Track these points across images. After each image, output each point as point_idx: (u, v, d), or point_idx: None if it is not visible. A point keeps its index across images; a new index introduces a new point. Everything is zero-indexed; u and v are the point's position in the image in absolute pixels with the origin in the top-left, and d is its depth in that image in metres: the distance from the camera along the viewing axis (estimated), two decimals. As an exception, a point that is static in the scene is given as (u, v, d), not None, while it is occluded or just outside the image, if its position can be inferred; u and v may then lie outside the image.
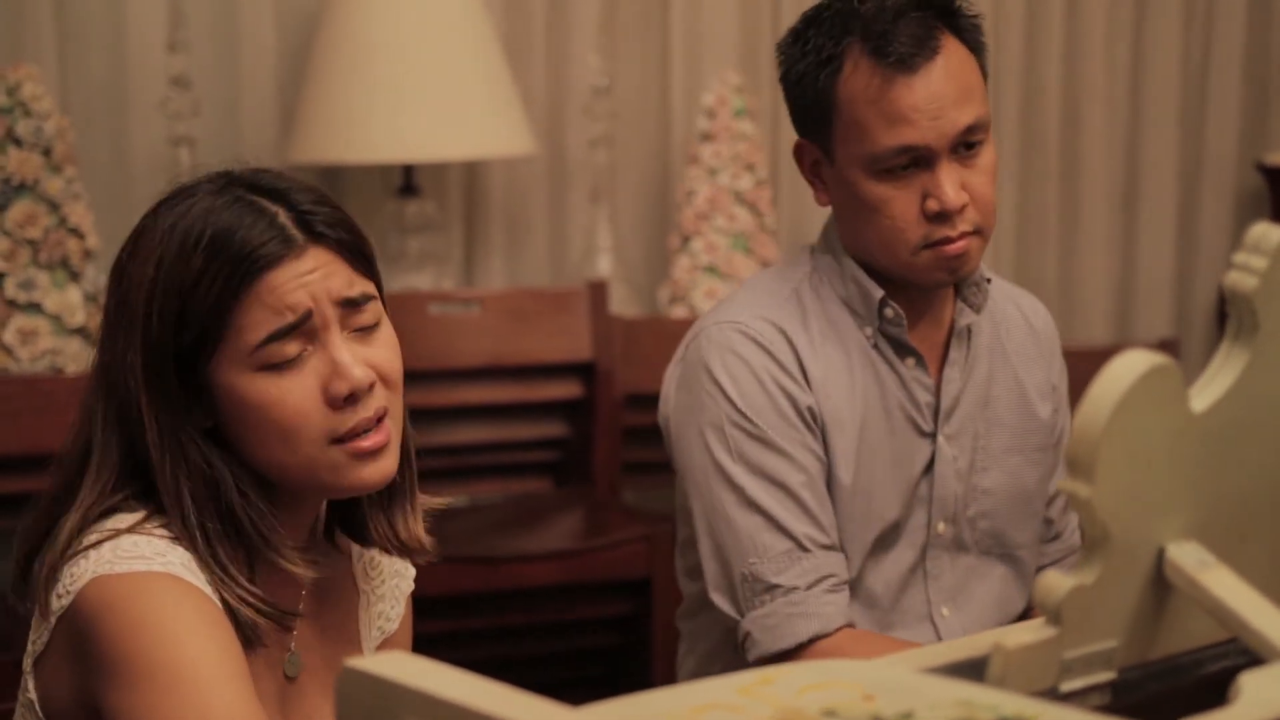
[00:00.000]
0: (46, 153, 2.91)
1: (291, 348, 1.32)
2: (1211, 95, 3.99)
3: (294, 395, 1.32)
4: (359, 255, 1.37)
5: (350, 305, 1.34)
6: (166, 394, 1.32)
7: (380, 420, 1.35)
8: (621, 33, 3.54)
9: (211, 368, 1.32)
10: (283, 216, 1.33)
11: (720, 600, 1.78)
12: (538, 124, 3.41)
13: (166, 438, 1.32)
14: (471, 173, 3.47)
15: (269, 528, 1.35)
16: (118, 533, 1.31)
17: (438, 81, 3.07)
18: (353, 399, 1.33)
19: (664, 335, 3.22)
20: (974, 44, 1.76)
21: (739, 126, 3.42)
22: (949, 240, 1.73)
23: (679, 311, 3.38)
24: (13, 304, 2.89)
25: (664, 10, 3.56)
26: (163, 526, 1.33)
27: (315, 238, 1.33)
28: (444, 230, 3.39)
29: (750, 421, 1.76)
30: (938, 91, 1.70)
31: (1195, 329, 4.05)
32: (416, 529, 1.46)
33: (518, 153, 3.19)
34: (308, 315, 1.32)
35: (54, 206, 2.91)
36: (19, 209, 2.88)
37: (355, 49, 3.05)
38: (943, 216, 1.72)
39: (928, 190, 1.72)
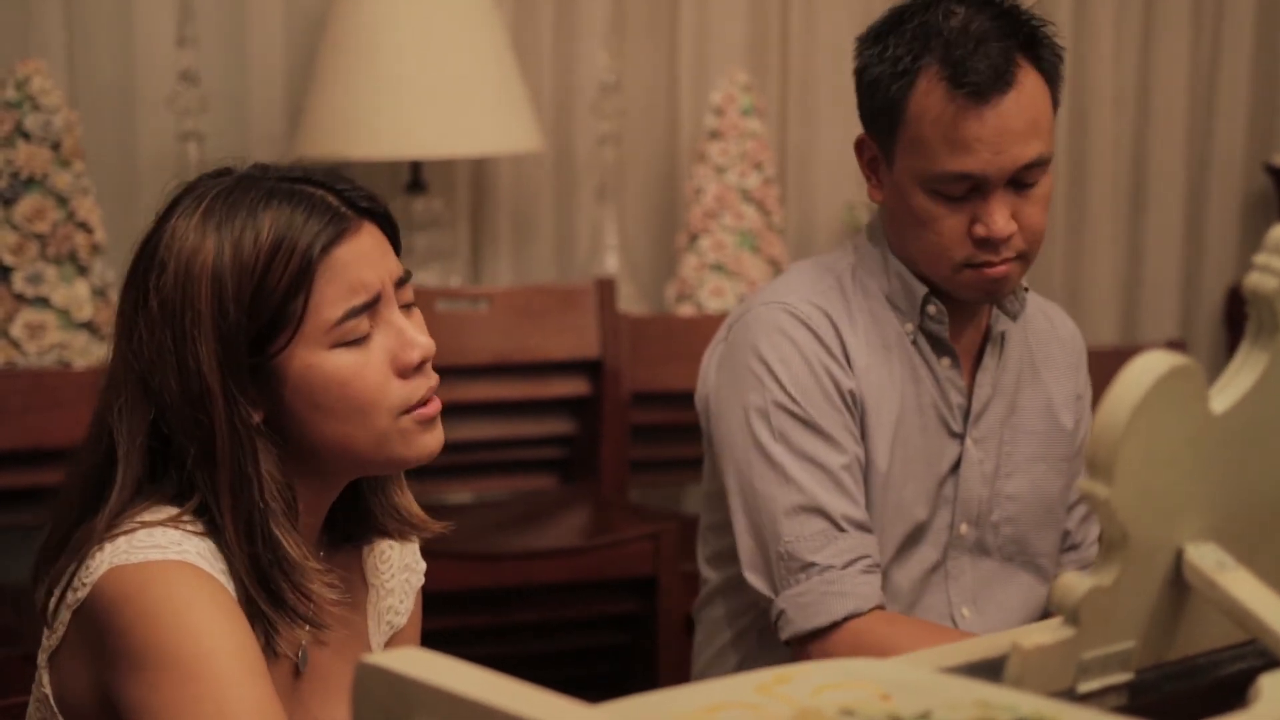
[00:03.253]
0: (55, 147, 2.91)
1: (364, 325, 1.35)
2: (1219, 96, 3.98)
3: (369, 369, 1.35)
4: (393, 230, 1.41)
5: (400, 283, 1.39)
6: (240, 382, 1.33)
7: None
8: (630, 30, 3.54)
9: (283, 352, 1.33)
10: (330, 197, 1.36)
11: (755, 579, 1.79)
12: (545, 121, 3.40)
13: (238, 428, 1.33)
14: (479, 170, 3.46)
15: (301, 553, 1.36)
16: (143, 525, 1.31)
17: (445, 78, 3.07)
18: (420, 368, 1.37)
19: (671, 333, 3.23)
20: (1052, 76, 1.78)
21: (747, 124, 3.41)
22: (990, 265, 1.75)
23: (686, 309, 3.38)
24: (20, 298, 2.88)
25: (672, 8, 3.56)
26: (194, 524, 1.33)
27: (362, 213, 1.37)
28: (451, 227, 3.39)
29: (795, 402, 1.77)
30: (1005, 125, 1.72)
31: (1202, 330, 4.05)
32: (414, 505, 1.49)
33: (525, 150, 3.19)
34: (379, 294, 1.36)
35: (62, 201, 2.91)
36: (27, 203, 2.88)
37: (363, 45, 3.05)
38: (988, 243, 1.74)
39: (978, 216, 1.74)
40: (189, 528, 1.32)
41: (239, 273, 1.32)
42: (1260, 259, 1.06)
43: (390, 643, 1.53)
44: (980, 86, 1.70)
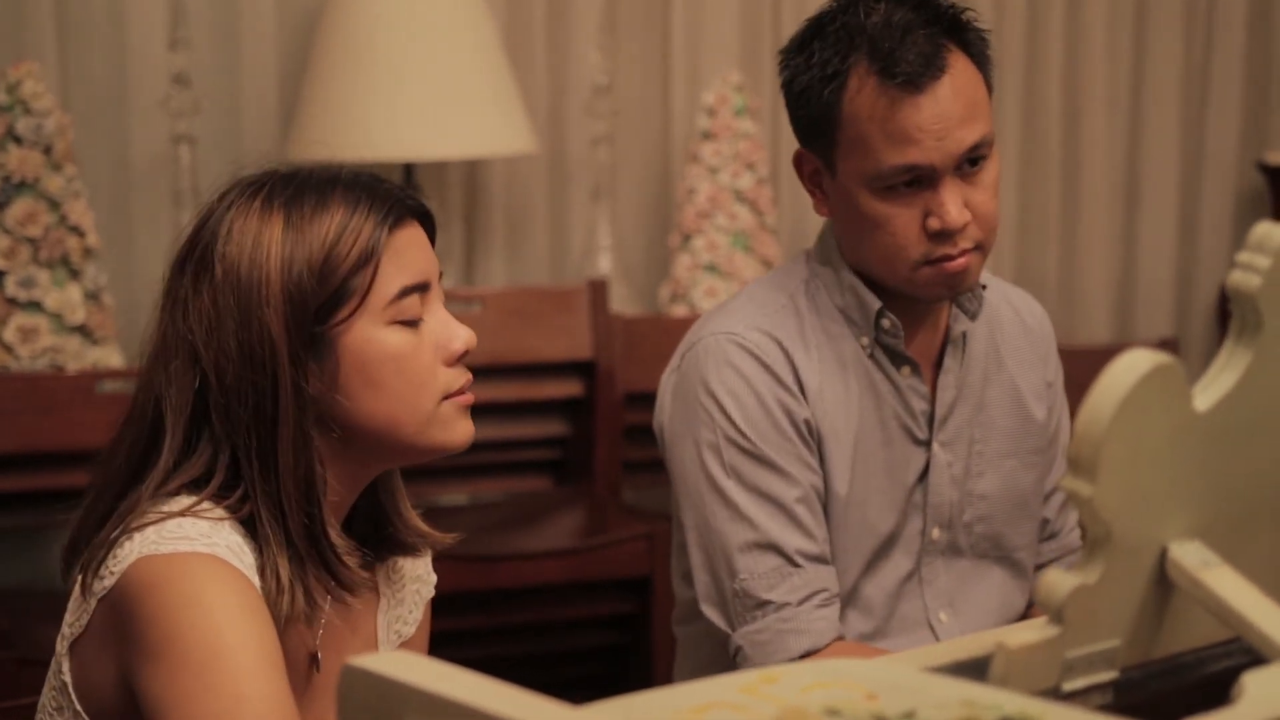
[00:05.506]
0: (47, 150, 2.91)
1: (417, 306, 1.40)
2: (1212, 94, 3.99)
3: (422, 350, 1.40)
4: (433, 229, 1.46)
5: (439, 279, 1.44)
6: (305, 348, 1.36)
7: None
8: (622, 31, 3.54)
9: (344, 324, 1.37)
10: (370, 204, 1.40)
11: (711, 613, 1.78)
12: (538, 122, 3.40)
13: (302, 390, 1.35)
14: (472, 171, 3.47)
15: (336, 531, 1.39)
16: (168, 515, 1.33)
17: (438, 79, 3.07)
18: (460, 359, 1.42)
19: (664, 334, 3.22)
20: (981, 59, 1.74)
21: (739, 125, 3.41)
22: (949, 258, 1.71)
23: (679, 310, 3.38)
24: (13, 302, 2.89)
25: (665, 9, 3.56)
26: (213, 510, 1.34)
27: (411, 211, 1.43)
28: (444, 229, 3.39)
29: (746, 438, 1.75)
30: (944, 111, 1.68)
31: (1195, 328, 4.05)
32: (419, 520, 1.52)
33: (518, 151, 3.19)
34: (430, 281, 1.41)
35: (54, 204, 2.91)
36: (19, 207, 2.88)
37: (356, 47, 3.05)
38: (944, 235, 1.70)
39: (930, 209, 1.70)
40: (212, 515, 1.33)
41: (310, 243, 1.36)
42: (1243, 257, 1.06)
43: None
44: (912, 76, 1.68)
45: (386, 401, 1.39)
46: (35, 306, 2.89)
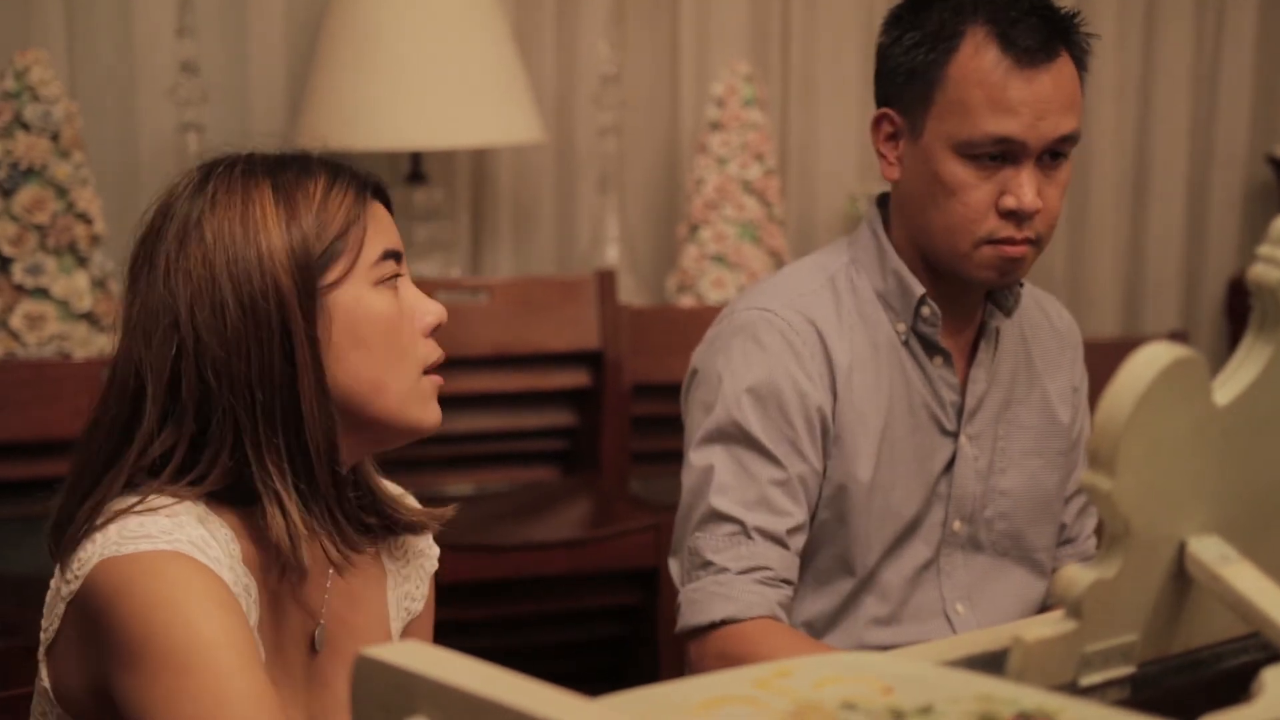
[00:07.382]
0: (54, 138, 2.90)
1: (396, 270, 1.41)
2: (1222, 87, 3.98)
3: (405, 317, 1.40)
4: (391, 213, 1.47)
5: (401, 259, 1.44)
6: (311, 304, 1.35)
7: None
8: (631, 21, 3.53)
9: (335, 285, 1.37)
10: (349, 173, 1.42)
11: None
12: (546, 112, 3.40)
13: (317, 348, 1.35)
14: (480, 160, 3.46)
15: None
16: (126, 512, 1.30)
17: (446, 68, 3.06)
18: (434, 332, 1.43)
19: (672, 324, 3.22)
20: (1080, 65, 1.78)
21: (748, 115, 3.41)
22: (1012, 241, 1.74)
23: (687, 301, 3.38)
24: (20, 289, 2.88)
25: (674, -1, 3.56)
26: (187, 483, 1.33)
27: (374, 192, 1.43)
28: (451, 218, 3.39)
29: (743, 413, 1.77)
30: (1048, 94, 1.73)
31: (1204, 322, 4.04)
32: (411, 499, 1.53)
33: (526, 141, 3.18)
34: (401, 251, 1.42)
35: (62, 191, 2.90)
36: (26, 194, 2.88)
37: (364, 35, 3.04)
38: (1015, 216, 1.73)
39: (1007, 187, 1.73)
40: (171, 507, 1.30)
41: (299, 202, 1.36)
42: (1264, 250, 1.05)
43: (407, 629, 1.53)
44: (1031, 51, 1.72)
45: (372, 365, 1.38)
46: (42, 293, 2.89)
